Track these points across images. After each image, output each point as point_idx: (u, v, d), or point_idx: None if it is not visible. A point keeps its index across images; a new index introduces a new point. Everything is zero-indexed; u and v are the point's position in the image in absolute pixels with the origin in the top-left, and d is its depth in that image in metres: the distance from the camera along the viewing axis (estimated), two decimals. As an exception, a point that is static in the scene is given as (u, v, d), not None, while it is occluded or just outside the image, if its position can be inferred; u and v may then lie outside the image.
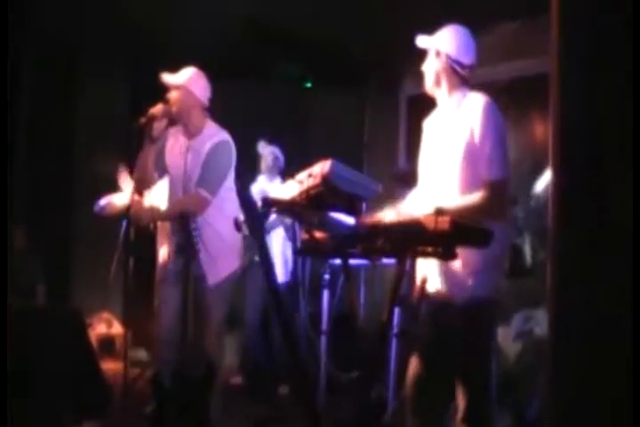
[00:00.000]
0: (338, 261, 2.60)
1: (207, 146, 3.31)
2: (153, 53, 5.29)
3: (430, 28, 2.60)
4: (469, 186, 2.41)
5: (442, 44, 2.53)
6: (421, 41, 2.58)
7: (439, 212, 2.05)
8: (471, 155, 2.40)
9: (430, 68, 2.56)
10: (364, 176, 2.39)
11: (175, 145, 3.45)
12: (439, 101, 2.59)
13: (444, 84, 2.53)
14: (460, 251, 2.05)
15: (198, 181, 3.27)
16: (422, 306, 2.48)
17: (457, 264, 2.36)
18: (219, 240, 3.31)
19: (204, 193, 3.24)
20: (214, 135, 3.34)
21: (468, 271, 2.37)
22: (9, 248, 4.23)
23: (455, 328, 2.37)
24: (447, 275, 2.41)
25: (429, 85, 2.57)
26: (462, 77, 2.53)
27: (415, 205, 2.50)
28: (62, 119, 5.76)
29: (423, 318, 2.48)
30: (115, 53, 5.63)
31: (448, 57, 2.52)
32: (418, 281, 2.51)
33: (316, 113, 6.14)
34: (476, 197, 2.38)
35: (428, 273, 2.48)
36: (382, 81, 5.84)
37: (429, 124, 2.64)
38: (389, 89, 5.77)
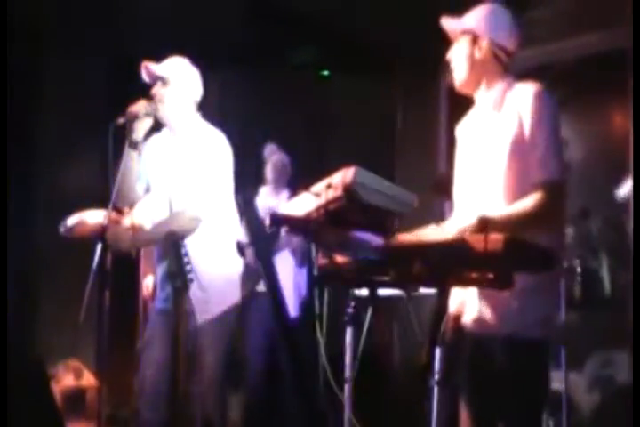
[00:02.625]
0: (364, 292, 2.66)
1: (195, 150, 3.39)
2: (133, 36, 5.42)
3: (467, 6, 2.62)
4: (519, 195, 2.44)
5: (480, 26, 2.54)
6: (450, 23, 2.60)
7: (483, 222, 2.11)
8: (520, 155, 2.44)
9: (463, 59, 2.57)
10: (396, 186, 2.45)
11: (160, 151, 3.53)
12: (477, 99, 2.62)
13: (483, 76, 2.56)
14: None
15: (187, 195, 3.34)
16: (458, 345, 2.51)
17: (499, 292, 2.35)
18: (214, 267, 3.38)
19: (193, 209, 3.33)
20: (205, 136, 3.42)
21: (509, 299, 2.37)
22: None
23: (495, 373, 2.40)
24: (484, 304, 2.44)
25: (462, 81, 2.59)
26: (505, 66, 2.57)
27: (457, 221, 2.55)
28: (18, 109, 5.81)
29: (460, 361, 2.51)
30: (88, 36, 5.75)
31: (490, 42, 2.54)
32: (451, 313, 2.53)
33: (334, 108, 6.23)
34: (527, 202, 2.40)
35: (462, 302, 2.52)
36: (416, 68, 5.92)
37: (465, 130, 2.68)
38: (426, 77, 5.85)
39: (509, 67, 2.59)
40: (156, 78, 3.45)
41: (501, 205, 2.46)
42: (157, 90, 3.44)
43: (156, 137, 3.56)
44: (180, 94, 3.45)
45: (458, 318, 2.53)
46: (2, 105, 5.10)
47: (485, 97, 2.58)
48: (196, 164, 3.36)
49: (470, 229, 2.24)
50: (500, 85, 2.56)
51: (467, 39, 2.57)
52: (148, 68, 3.44)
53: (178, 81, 3.44)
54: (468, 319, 2.50)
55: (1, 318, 2.83)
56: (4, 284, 3.01)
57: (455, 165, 2.68)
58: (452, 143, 5.84)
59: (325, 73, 6.44)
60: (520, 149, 2.45)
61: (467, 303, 2.51)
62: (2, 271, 2.98)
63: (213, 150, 3.38)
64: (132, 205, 3.72)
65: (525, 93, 2.48)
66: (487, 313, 2.44)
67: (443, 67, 5.64)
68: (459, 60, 2.59)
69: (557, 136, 2.46)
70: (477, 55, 2.56)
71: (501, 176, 2.47)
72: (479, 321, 2.47)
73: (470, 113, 2.68)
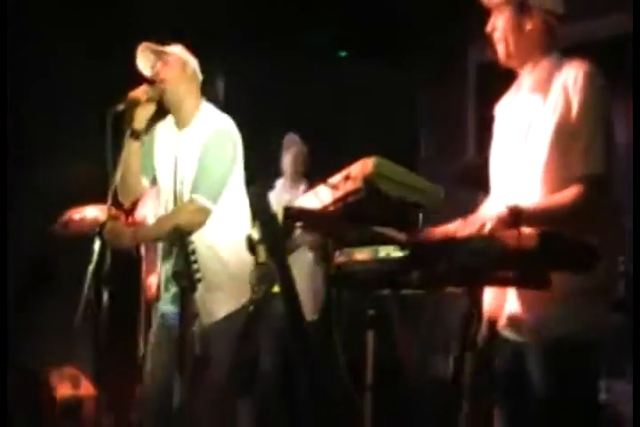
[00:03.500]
0: (386, 293, 2.67)
1: (202, 137, 3.39)
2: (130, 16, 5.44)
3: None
4: (559, 187, 2.39)
5: None
6: None
7: (515, 213, 2.10)
8: (563, 143, 2.40)
9: (509, 30, 2.52)
10: (420, 177, 2.46)
11: (165, 140, 3.55)
12: (521, 77, 2.59)
13: (532, 48, 2.52)
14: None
15: (193, 186, 3.36)
16: (494, 353, 2.52)
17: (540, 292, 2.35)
18: (221, 266, 3.40)
19: (201, 200, 3.32)
20: (210, 122, 3.43)
21: (552, 300, 2.33)
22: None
23: (538, 383, 2.38)
24: (524, 306, 2.42)
25: (508, 55, 2.54)
26: (555, 38, 2.54)
27: (487, 212, 2.54)
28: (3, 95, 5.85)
29: (495, 369, 2.51)
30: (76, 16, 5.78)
31: (540, 8, 2.50)
32: (485, 315, 2.53)
33: (351, 93, 6.24)
34: (564, 195, 2.36)
35: (498, 305, 2.51)
36: (441, 45, 5.92)
37: (505, 110, 2.65)
38: (452, 55, 5.85)
39: (557, 36, 2.55)
40: (155, 59, 3.46)
41: (539, 197, 2.42)
42: (159, 71, 3.45)
43: (161, 125, 3.58)
44: (185, 75, 3.46)
45: (494, 323, 2.52)
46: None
47: (530, 76, 2.55)
48: (203, 151, 3.37)
49: (500, 220, 2.23)
50: (546, 62, 2.52)
51: (512, 7, 2.52)
52: (150, 46, 3.45)
53: (181, 61, 3.46)
54: (505, 324, 2.49)
55: (1, 317, 2.87)
56: (3, 284, 3.06)
57: (492, 149, 2.65)
58: (482, 128, 5.83)
59: (342, 54, 6.45)
60: (564, 136, 2.40)
61: (504, 306, 2.49)
62: (2, 272, 3.02)
63: (222, 136, 3.39)
64: (134, 200, 3.75)
65: (574, 74, 2.42)
66: (528, 317, 2.41)
67: (470, 43, 5.70)
68: (504, 31, 2.54)
69: (606, 125, 2.39)
70: (527, 25, 2.52)
71: (541, 165, 2.43)
72: (519, 326, 2.44)
73: (512, 92, 2.64)
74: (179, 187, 3.44)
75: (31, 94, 5.55)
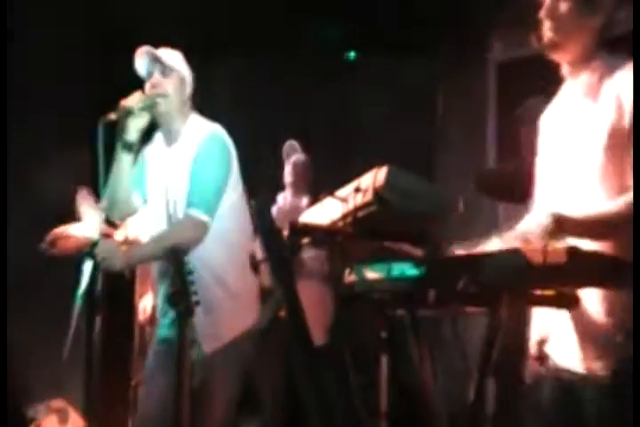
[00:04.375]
0: (401, 313, 2.68)
1: (192, 149, 3.42)
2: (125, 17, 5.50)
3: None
4: (610, 197, 2.36)
5: None
6: None
7: (559, 220, 2.09)
8: (617, 152, 2.39)
9: (568, 17, 2.49)
10: (437, 188, 2.48)
11: (155, 160, 3.58)
12: (569, 78, 2.58)
13: (585, 44, 2.50)
14: (599, 291, 2.10)
15: (187, 200, 3.38)
16: (539, 381, 2.50)
17: (595, 313, 2.33)
18: (222, 287, 3.40)
19: (196, 214, 3.32)
20: (200, 131, 3.45)
21: (613, 324, 2.30)
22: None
23: (596, 419, 2.34)
24: (580, 330, 2.39)
25: (556, 43, 2.51)
26: (609, 37, 2.51)
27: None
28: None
29: (541, 401, 2.49)
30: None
31: (605, 3, 2.47)
32: (533, 341, 2.52)
33: (362, 96, 6.26)
34: (614, 204, 2.34)
35: (550, 328, 2.48)
36: (459, 44, 5.94)
37: (551, 119, 2.64)
38: (470, 55, 5.88)
39: (611, 36, 2.53)
40: (153, 66, 3.49)
41: (588, 207, 2.38)
42: (157, 80, 3.47)
43: (150, 145, 3.61)
44: (182, 87, 3.49)
45: (541, 347, 2.50)
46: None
47: (579, 80, 2.54)
48: (194, 162, 3.39)
49: (543, 229, 2.22)
50: (597, 64, 2.51)
51: None
52: (152, 53, 3.47)
53: (179, 72, 3.49)
54: (555, 350, 2.47)
55: (1, 317, 2.91)
56: (3, 282, 3.12)
57: (538, 161, 2.64)
58: (503, 133, 5.82)
59: (352, 55, 6.48)
60: (617, 145, 2.39)
61: (552, 329, 2.47)
62: (2, 270, 3.08)
63: (212, 145, 3.40)
64: (125, 218, 3.77)
65: (626, 80, 2.42)
66: (583, 341, 2.38)
67: (490, 41, 5.73)
68: (561, 18, 2.51)
69: None
70: (590, 18, 2.49)
71: (593, 174, 2.42)
72: (570, 352, 2.41)
73: (558, 99, 2.64)
74: (171, 208, 3.46)
75: (15, 105, 5.61)
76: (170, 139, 3.52)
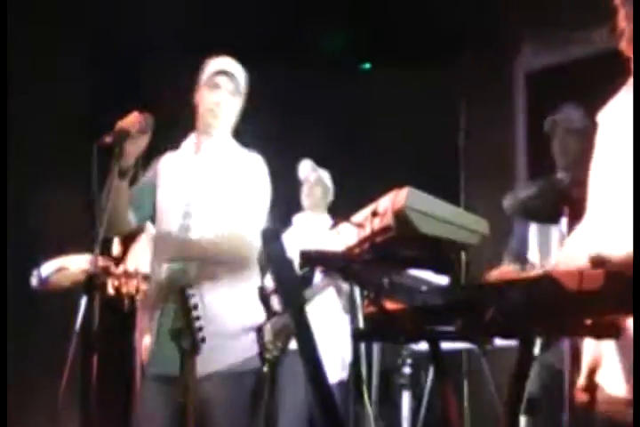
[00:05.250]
0: (424, 347, 2.69)
1: (233, 169, 3.57)
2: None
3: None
4: None
5: None
6: None
7: (597, 263, 2.09)
8: None
9: None
10: (461, 210, 2.50)
11: (168, 173, 3.64)
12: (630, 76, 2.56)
13: None
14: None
15: (232, 220, 3.49)
16: (590, 414, 2.51)
17: None
18: (230, 319, 3.47)
19: (240, 234, 3.46)
20: (239, 154, 3.61)
21: None
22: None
23: None
24: (629, 357, 2.37)
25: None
26: None
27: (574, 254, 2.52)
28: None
29: None
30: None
31: None
32: (584, 370, 2.53)
33: (378, 110, 6.29)
34: None
35: (596, 356, 2.49)
36: (483, 50, 5.97)
37: (609, 120, 2.61)
38: (495, 62, 5.90)
39: None
40: (227, 80, 3.64)
41: None
42: (224, 98, 3.62)
43: (169, 155, 3.68)
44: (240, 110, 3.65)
45: (591, 377, 2.51)
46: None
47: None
48: (240, 180, 3.53)
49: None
50: None
51: None
52: (236, 67, 3.67)
53: (243, 95, 3.66)
54: (607, 380, 2.47)
55: (1, 317, 2.95)
56: (3, 285, 3.16)
57: (594, 167, 2.63)
58: (533, 146, 5.81)
59: (367, 66, 6.52)
60: None
61: (604, 357, 2.48)
62: (2, 274, 3.12)
63: (257, 163, 3.53)
64: (123, 247, 3.82)
65: None
66: (633, 368, 2.36)
67: (518, 48, 5.73)
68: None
69: None
70: None
71: None
72: (622, 380, 2.41)
73: (618, 97, 2.63)
74: (185, 223, 3.52)
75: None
76: (197, 150, 3.62)
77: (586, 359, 2.52)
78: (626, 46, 2.55)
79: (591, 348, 2.51)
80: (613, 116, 2.62)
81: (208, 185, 3.54)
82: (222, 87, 3.63)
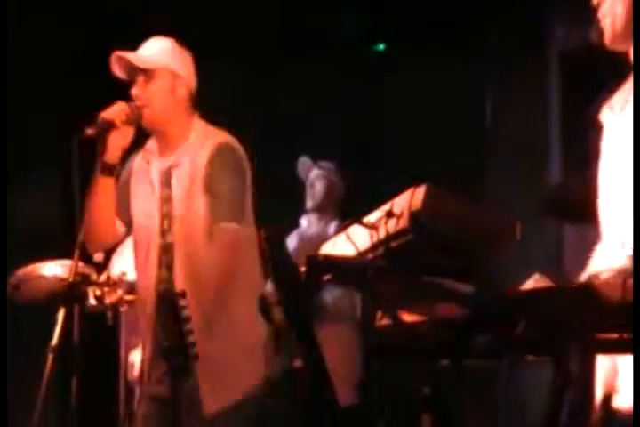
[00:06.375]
0: (445, 364, 2.69)
1: (201, 156, 3.49)
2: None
3: None
4: None
5: None
6: None
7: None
8: None
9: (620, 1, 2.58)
10: (488, 209, 2.51)
11: (144, 172, 3.62)
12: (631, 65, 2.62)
13: None
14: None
15: (212, 215, 3.45)
16: None
17: None
18: (227, 335, 3.47)
19: (228, 225, 3.43)
20: (208, 137, 3.53)
21: None
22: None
23: None
24: None
25: (614, 32, 2.61)
26: None
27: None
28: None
29: None
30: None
31: None
32: (599, 391, 2.54)
33: (393, 97, 6.28)
34: None
35: (611, 377, 2.52)
36: (514, 30, 5.96)
37: (614, 114, 2.68)
38: (526, 43, 5.90)
39: None
40: (135, 72, 3.54)
41: None
42: (139, 88, 3.51)
43: (142, 154, 3.65)
44: (172, 91, 3.53)
45: (607, 401, 2.53)
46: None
47: None
48: (200, 173, 3.46)
49: (619, 276, 2.24)
50: None
51: None
52: (124, 60, 3.52)
53: (167, 72, 3.53)
54: (624, 403, 2.49)
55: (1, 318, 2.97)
56: (3, 285, 3.17)
57: (600, 168, 2.68)
58: (568, 136, 5.82)
59: (380, 47, 6.52)
60: None
61: (621, 378, 2.51)
62: (2, 272, 3.15)
63: (227, 151, 3.47)
64: (105, 249, 3.81)
65: None
66: None
67: (552, 26, 5.72)
68: (614, 4, 2.61)
69: None
70: None
71: None
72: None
73: (624, 88, 2.68)
74: (165, 226, 3.51)
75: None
76: (167, 148, 3.56)
77: (600, 384, 2.53)
78: (610, 41, 2.65)
79: (605, 370, 2.52)
80: (617, 113, 2.67)
81: (177, 181, 3.52)
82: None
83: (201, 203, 3.46)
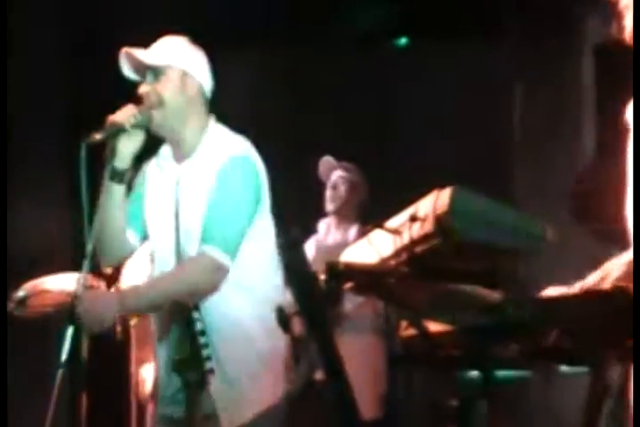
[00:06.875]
0: (473, 375, 2.69)
1: (211, 168, 3.47)
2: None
3: None
4: None
5: None
6: None
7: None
8: None
9: None
10: (517, 212, 2.51)
11: (159, 179, 3.63)
12: None
13: None
14: None
15: (204, 234, 3.42)
16: None
17: None
18: (247, 347, 3.47)
19: (215, 254, 3.38)
20: (222, 148, 3.51)
21: None
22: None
23: None
24: None
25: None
26: None
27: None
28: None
29: None
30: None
31: None
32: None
33: (416, 94, 6.28)
34: None
35: None
36: (544, 20, 5.95)
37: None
38: (557, 36, 5.89)
39: None
40: (144, 71, 3.54)
41: None
42: (148, 88, 3.52)
43: (153, 160, 3.66)
44: (183, 90, 3.54)
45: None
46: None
47: None
48: (216, 187, 3.44)
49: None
50: None
51: None
52: (133, 57, 3.53)
53: (178, 72, 3.54)
54: None
55: (1, 320, 2.99)
56: (4, 288, 3.19)
57: (629, 165, 2.67)
58: (604, 137, 5.81)
59: (402, 41, 6.51)
60: None
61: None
62: (2, 276, 3.16)
63: (239, 166, 3.46)
64: (118, 265, 3.82)
65: None
66: None
67: (586, 16, 5.71)
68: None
69: None
70: None
71: None
72: None
73: None
74: (182, 239, 3.51)
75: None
76: (180, 154, 3.55)
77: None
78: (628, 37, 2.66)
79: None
80: None
81: (190, 187, 3.52)
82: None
83: (201, 215, 3.46)
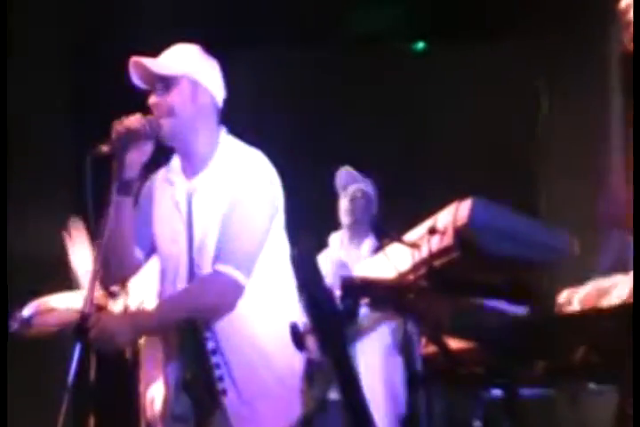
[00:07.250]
0: (498, 394, 2.68)
1: (225, 183, 3.49)
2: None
3: None
4: None
5: None
6: None
7: None
8: None
9: None
10: (541, 223, 2.51)
11: (168, 194, 3.64)
12: None
13: None
14: None
15: (218, 253, 3.44)
16: None
17: None
18: (259, 365, 3.46)
19: (230, 272, 3.38)
20: (235, 162, 3.53)
21: None
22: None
23: None
24: None
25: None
26: None
27: None
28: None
29: None
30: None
31: None
32: None
33: (435, 99, 6.28)
34: None
35: None
36: (570, 23, 5.96)
37: None
38: (585, 38, 5.89)
39: None
40: (153, 81, 3.55)
41: None
42: (154, 100, 3.53)
43: (160, 173, 3.67)
44: (194, 100, 3.54)
45: None
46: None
47: None
48: (230, 204, 3.45)
49: None
50: None
51: None
52: (143, 67, 3.54)
53: (187, 80, 3.55)
54: None
55: (1, 321, 3.01)
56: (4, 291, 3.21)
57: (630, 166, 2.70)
58: (634, 144, 5.81)
59: (420, 46, 6.52)
60: None
61: None
62: (2, 276, 3.18)
63: (254, 181, 3.46)
64: (125, 282, 3.83)
65: None
66: None
67: (611, 22, 5.72)
68: None
69: None
70: None
71: None
72: None
73: None
74: (196, 257, 3.52)
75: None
76: (191, 167, 3.55)
77: None
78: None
79: None
80: None
81: (203, 202, 3.52)
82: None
83: (215, 232, 3.47)
